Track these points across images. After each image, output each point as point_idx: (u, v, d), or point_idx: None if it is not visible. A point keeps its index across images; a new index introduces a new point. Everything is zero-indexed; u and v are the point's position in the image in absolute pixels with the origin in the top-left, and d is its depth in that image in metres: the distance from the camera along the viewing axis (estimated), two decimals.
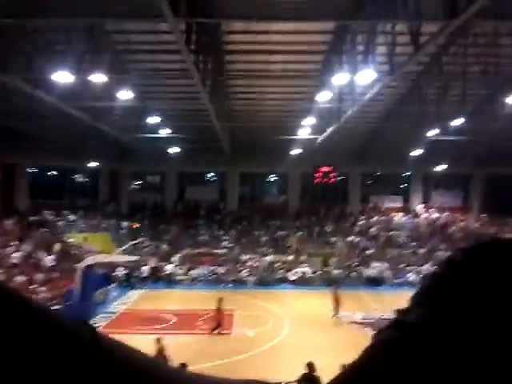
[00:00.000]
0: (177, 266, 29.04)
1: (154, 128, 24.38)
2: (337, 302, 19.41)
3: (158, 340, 12.70)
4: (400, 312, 0.46)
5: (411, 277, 28.30)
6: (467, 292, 0.41)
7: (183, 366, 9.35)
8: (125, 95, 18.14)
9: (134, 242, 28.51)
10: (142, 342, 15.81)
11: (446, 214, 35.15)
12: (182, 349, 15.09)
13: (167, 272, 28.29)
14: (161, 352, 12.05)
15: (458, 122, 20.38)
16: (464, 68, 16.61)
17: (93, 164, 31.75)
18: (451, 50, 16.92)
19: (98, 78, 15.83)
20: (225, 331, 17.54)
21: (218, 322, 17.33)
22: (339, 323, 19.35)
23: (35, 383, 0.36)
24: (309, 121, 22.87)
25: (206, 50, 16.45)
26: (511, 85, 16.95)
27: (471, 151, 30.13)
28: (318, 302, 23.84)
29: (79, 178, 35.34)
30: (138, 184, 37.41)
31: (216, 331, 17.19)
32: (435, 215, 35.12)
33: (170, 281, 28.02)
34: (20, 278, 19.19)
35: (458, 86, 18.46)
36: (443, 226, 34.09)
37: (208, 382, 0.48)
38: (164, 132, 25.30)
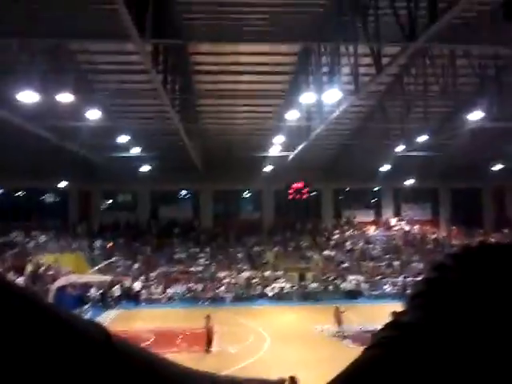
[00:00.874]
0: (144, 282, 28.81)
1: (125, 147, 24.23)
2: (337, 318, 19.18)
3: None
4: (396, 314, 0.49)
5: (388, 288, 28.69)
6: (460, 292, 0.44)
7: None
8: (93, 114, 18.01)
9: (107, 262, 28.11)
10: None
11: (417, 226, 35.91)
12: None
13: (136, 289, 27.94)
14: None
15: (422, 138, 21.00)
16: (424, 87, 17.19)
17: (62, 184, 31.23)
18: (412, 71, 17.51)
19: (65, 97, 15.70)
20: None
21: (209, 339, 17.24)
22: (319, 337, 19.40)
23: (50, 382, 0.37)
24: (279, 138, 23.17)
25: (173, 71, 16.56)
26: (470, 102, 17.61)
27: (437, 166, 31.03)
28: (296, 316, 23.92)
29: (48, 198, 34.68)
30: (110, 203, 36.91)
31: (210, 348, 17.14)
32: (406, 228, 35.83)
33: (145, 300, 27.66)
34: None
35: (420, 105, 19.10)
36: (415, 238, 34.77)
37: (213, 380, 0.51)
38: (135, 151, 25.15)
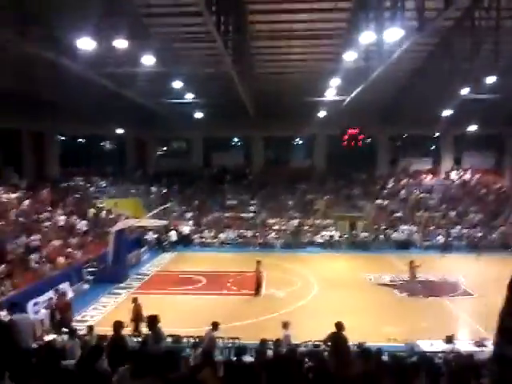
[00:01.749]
0: (197, 227, 29.80)
1: (178, 93, 24.30)
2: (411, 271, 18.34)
3: (135, 300, 13.02)
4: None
5: (441, 239, 28.04)
6: None
7: (215, 324, 9.73)
8: (147, 60, 18.03)
9: (163, 207, 29.19)
10: (174, 301, 16.59)
11: (478, 175, 34.14)
12: (213, 309, 15.68)
13: (189, 234, 29.02)
14: (138, 311, 12.43)
15: (490, 79, 19.40)
16: (497, 22, 15.63)
17: (119, 131, 32.22)
18: (483, 4, 15.91)
19: (121, 43, 15.75)
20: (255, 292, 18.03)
21: (258, 283, 17.84)
22: (367, 285, 19.52)
23: None
24: (336, 81, 22.26)
25: (227, 11, 16.06)
26: None
27: (504, 110, 28.74)
28: (345, 264, 24.12)
29: (107, 145, 36.00)
30: (165, 150, 37.83)
31: (259, 292, 17.75)
32: (467, 177, 34.18)
33: (199, 244, 28.80)
34: (56, 243, 19.99)
35: (491, 42, 17.47)
36: (475, 187, 33.19)
37: None
38: (188, 97, 25.20)
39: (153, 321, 7.79)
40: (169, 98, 25.35)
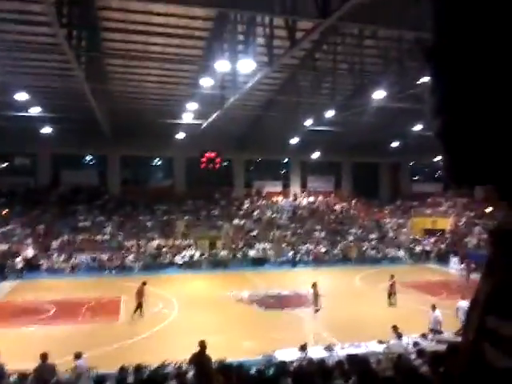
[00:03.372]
0: (45, 252, 27.38)
1: (22, 106, 22.18)
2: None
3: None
4: None
5: (291, 255, 30.31)
6: None
7: (43, 356, 8.81)
8: None
9: (2, 230, 26.09)
10: (18, 334, 14.78)
11: (321, 197, 38.18)
12: (67, 339, 14.38)
13: (35, 259, 26.50)
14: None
15: (329, 113, 22.06)
16: (334, 64, 18.00)
17: None
18: (323, 48, 18.20)
19: None
20: (113, 318, 17.17)
21: (139, 303, 17.08)
22: (228, 302, 20.02)
23: None
24: (193, 106, 22.82)
25: (80, 25, 15.39)
26: (374, 82, 18.84)
27: (342, 141, 32.97)
28: (205, 283, 24.42)
29: None
30: (5, 166, 33.80)
31: (137, 312, 16.99)
32: (311, 199, 37.90)
33: (47, 270, 26.28)
34: None
35: (329, 81, 19.99)
36: (318, 208, 36.93)
37: None
38: (34, 110, 23.17)
39: None
40: (11, 110, 22.93)
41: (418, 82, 16.82)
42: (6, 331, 15.20)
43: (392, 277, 19.03)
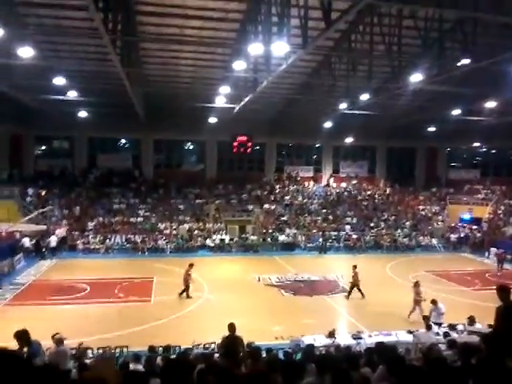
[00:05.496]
0: (81, 233, 28.28)
1: (60, 90, 22.75)
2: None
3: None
4: None
5: (321, 241, 30.14)
6: None
7: (59, 341, 8.74)
8: (25, 52, 16.60)
9: (41, 211, 26.98)
10: (55, 312, 15.40)
11: (353, 182, 37.61)
12: (100, 318, 14.91)
13: (71, 239, 27.48)
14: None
15: (364, 97, 21.53)
16: (371, 46, 17.47)
17: None
18: (359, 29, 17.67)
19: None
20: (145, 298, 17.60)
21: (186, 285, 17.70)
22: (256, 286, 20.19)
23: None
24: (225, 89, 22.78)
25: (116, 9, 15.51)
26: (413, 64, 18.21)
27: (376, 125, 32.22)
28: (235, 267, 24.68)
29: None
30: (44, 149, 34.92)
31: (184, 294, 17.66)
32: (343, 184, 37.39)
33: (83, 250, 27.16)
34: None
35: (365, 64, 19.45)
36: (350, 194, 36.43)
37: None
38: (72, 94, 23.72)
39: (22, 336, 6.88)
40: (50, 94, 23.56)
41: (457, 64, 16.12)
42: (42, 308, 15.89)
43: (354, 267, 18.04)
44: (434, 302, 13.29)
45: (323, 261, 26.39)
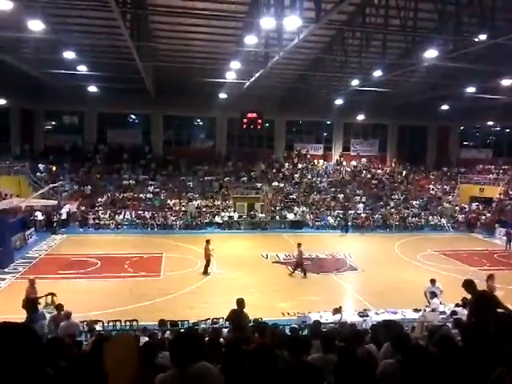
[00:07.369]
0: (91, 208, 28.56)
1: (70, 64, 22.60)
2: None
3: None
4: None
5: (330, 220, 30.15)
6: None
7: (67, 315, 9.05)
8: (35, 26, 16.45)
9: (52, 186, 27.23)
10: (66, 285, 15.70)
11: (363, 161, 37.27)
12: (111, 292, 15.18)
13: (81, 214, 27.76)
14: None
15: (377, 73, 21.10)
16: (385, 21, 17.00)
17: (1, 101, 29.06)
18: (374, 2, 17.17)
19: (3, 4, 14.14)
20: (154, 274, 17.84)
21: (208, 261, 18.01)
22: (264, 263, 20.35)
23: None
24: (236, 64, 22.44)
25: None
26: (428, 40, 17.70)
27: (388, 103, 31.66)
28: (244, 244, 24.85)
29: None
30: (54, 124, 34.97)
31: (206, 270, 17.95)
32: (353, 162, 37.07)
33: (93, 225, 27.47)
34: None
35: (379, 39, 18.97)
36: (361, 172, 36.16)
37: None
38: (81, 69, 23.56)
39: (28, 304, 7.13)
40: (60, 68, 23.43)
41: (474, 40, 15.64)
42: (53, 282, 16.16)
43: (299, 245, 18.12)
44: (432, 281, 12.95)
45: (331, 239, 26.43)
